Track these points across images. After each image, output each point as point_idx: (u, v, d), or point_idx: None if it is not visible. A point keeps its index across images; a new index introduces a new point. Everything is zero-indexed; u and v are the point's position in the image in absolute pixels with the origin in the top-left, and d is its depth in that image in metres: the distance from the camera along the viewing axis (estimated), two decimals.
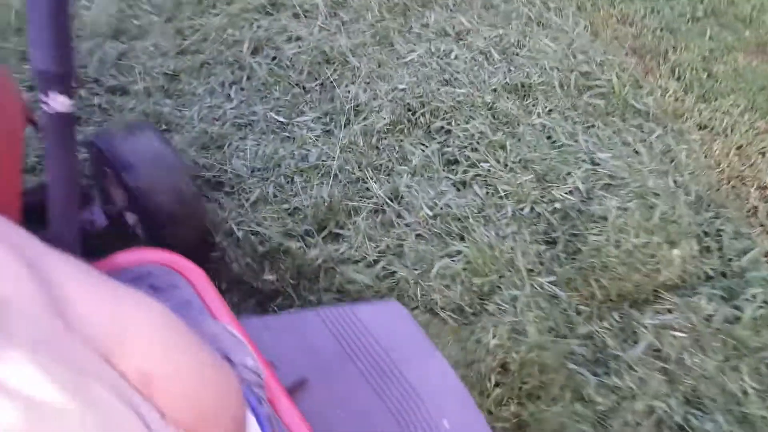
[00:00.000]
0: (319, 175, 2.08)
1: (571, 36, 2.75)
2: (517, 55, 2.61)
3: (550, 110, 2.37)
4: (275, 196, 2.02)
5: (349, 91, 2.40)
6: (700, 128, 2.45)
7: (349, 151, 2.15)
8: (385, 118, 2.26)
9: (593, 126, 2.32)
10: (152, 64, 2.54)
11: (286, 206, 1.98)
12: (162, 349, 0.61)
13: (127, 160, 1.53)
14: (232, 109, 2.36)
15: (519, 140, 2.22)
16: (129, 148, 1.57)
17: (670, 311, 1.81)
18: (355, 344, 1.17)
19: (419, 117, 2.29)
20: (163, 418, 0.59)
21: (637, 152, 2.24)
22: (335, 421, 1.12)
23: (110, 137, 1.63)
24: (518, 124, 2.29)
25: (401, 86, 2.40)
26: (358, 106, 2.34)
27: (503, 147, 2.19)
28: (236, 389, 0.70)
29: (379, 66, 2.52)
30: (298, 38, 2.65)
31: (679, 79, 2.66)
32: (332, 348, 1.16)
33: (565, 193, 2.04)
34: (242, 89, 2.45)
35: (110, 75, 2.49)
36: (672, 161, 2.24)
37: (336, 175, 2.07)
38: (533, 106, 2.38)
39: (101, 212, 1.56)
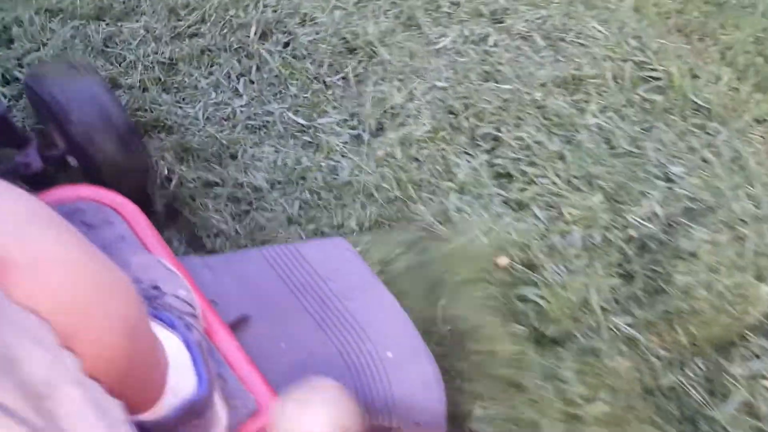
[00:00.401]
0: (352, 193, 1.86)
1: (620, 18, 2.43)
2: (563, 41, 2.31)
3: (605, 108, 2.12)
4: (300, 216, 1.82)
5: (381, 91, 2.11)
6: (758, 122, 2.15)
7: (386, 165, 1.93)
8: (425, 124, 2.02)
9: (654, 127, 2.08)
10: (144, 50, 2.17)
11: (312, 227, 1.78)
12: (17, 236, 0.59)
13: (62, 104, 1.47)
14: (242, 107, 2.07)
15: (578, 147, 2.00)
16: (64, 90, 1.50)
17: (757, 356, 1.58)
18: (298, 280, 1.19)
19: (462, 121, 2.05)
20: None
21: (705, 161, 1.98)
22: (278, 354, 1.13)
23: (43, 78, 1.56)
24: (573, 127, 2.06)
25: (440, 84, 2.13)
26: (392, 108, 2.06)
27: (562, 158, 1.97)
28: (128, 292, 0.68)
29: (412, 58, 2.21)
30: (314, 21, 2.30)
31: (730, 64, 2.34)
32: (275, 285, 1.18)
33: (642, 219, 1.80)
34: (252, 82, 2.14)
35: (97, 65, 2.13)
36: (743, 170, 1.96)
37: (372, 195, 1.86)
38: (585, 102, 2.13)
39: (37, 155, 1.49)
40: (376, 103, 2.09)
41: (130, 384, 0.69)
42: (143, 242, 1.10)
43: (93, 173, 1.47)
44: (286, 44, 2.24)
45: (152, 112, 2.02)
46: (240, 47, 2.24)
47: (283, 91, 2.13)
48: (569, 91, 2.17)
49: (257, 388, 0.98)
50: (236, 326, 1.14)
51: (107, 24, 2.25)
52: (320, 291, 1.18)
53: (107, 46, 2.19)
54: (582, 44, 2.31)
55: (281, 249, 1.21)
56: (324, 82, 2.17)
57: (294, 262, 1.20)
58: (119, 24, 2.26)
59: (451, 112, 2.08)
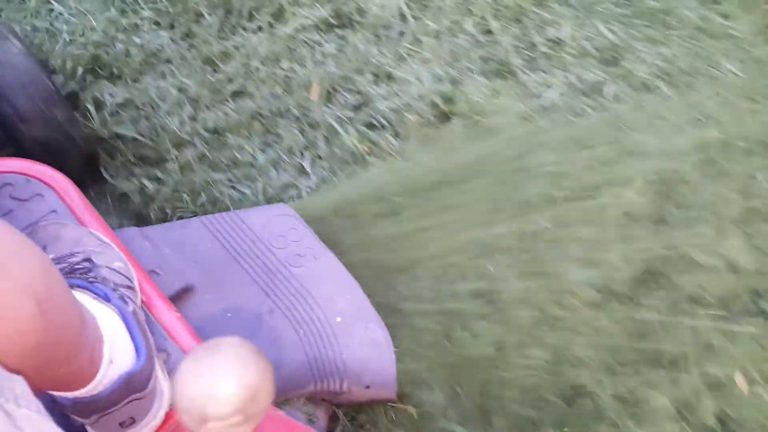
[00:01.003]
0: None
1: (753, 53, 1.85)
2: (692, 88, 1.74)
3: None
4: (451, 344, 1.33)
5: None
6: None
7: None
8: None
9: None
10: (181, 117, 1.61)
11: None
12: None
13: None
14: (311, 188, 1.57)
15: None
16: None
17: None
18: (242, 248, 1.16)
19: None
20: None
21: None
22: (224, 324, 1.11)
23: None
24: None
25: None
26: None
27: None
28: (39, 263, 0.65)
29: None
30: (390, 77, 1.74)
31: None
32: (218, 254, 1.15)
33: None
34: (320, 158, 1.62)
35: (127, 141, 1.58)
36: None
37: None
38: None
39: None
40: None
41: (55, 360, 0.66)
42: (76, 215, 1.06)
43: (19, 147, 1.39)
44: (357, 108, 1.70)
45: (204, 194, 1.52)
46: (302, 114, 1.70)
47: (362, 170, 1.62)
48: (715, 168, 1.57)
49: None
50: (179, 297, 1.11)
51: (118, 77, 1.67)
52: (265, 258, 1.15)
53: (121, 110, 1.61)
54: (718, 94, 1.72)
55: (222, 217, 1.18)
56: None
57: (236, 230, 1.17)
58: (137, 81, 1.68)
59: None
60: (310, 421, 1.14)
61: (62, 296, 0.68)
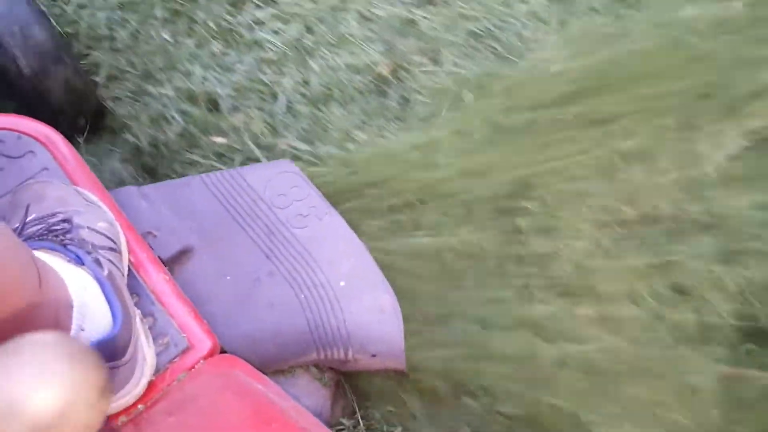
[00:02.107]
0: None
1: None
2: None
3: None
4: None
5: None
6: None
7: None
8: None
9: None
10: None
11: None
12: None
13: None
14: None
15: None
16: None
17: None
18: (242, 208, 1.10)
19: None
20: None
21: None
22: (223, 287, 1.06)
23: None
24: None
25: None
26: None
27: None
28: None
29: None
30: None
31: None
32: (218, 213, 1.10)
33: None
34: None
35: None
36: None
37: None
38: None
39: None
40: None
41: (3, 328, 0.61)
42: (68, 173, 1.02)
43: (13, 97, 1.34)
44: None
45: None
46: None
47: None
48: None
49: (189, 324, 0.91)
50: (177, 259, 1.07)
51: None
52: (266, 218, 1.10)
53: None
54: None
55: (222, 175, 1.13)
56: None
57: (237, 188, 1.12)
58: None
59: None
60: (324, 386, 1.10)
61: (6, 255, 0.63)
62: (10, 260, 0.65)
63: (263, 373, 0.92)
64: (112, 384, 0.51)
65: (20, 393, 0.46)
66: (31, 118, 1.04)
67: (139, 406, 0.84)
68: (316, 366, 1.10)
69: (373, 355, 1.06)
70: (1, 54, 1.26)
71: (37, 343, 0.49)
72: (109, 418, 0.84)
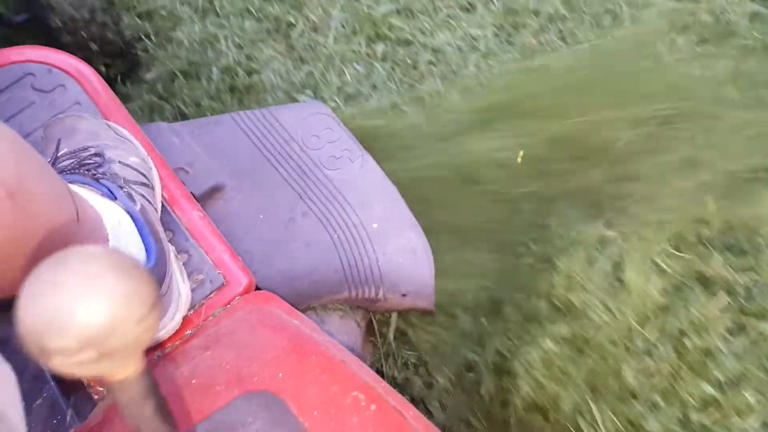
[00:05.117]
0: None
1: None
2: None
3: None
4: None
5: None
6: None
7: None
8: None
9: None
10: None
11: None
12: None
13: None
14: None
15: None
16: None
17: None
18: (274, 148, 1.09)
19: None
20: None
21: None
22: (256, 226, 1.06)
23: None
24: None
25: None
26: None
27: None
28: (6, 148, 0.59)
29: None
30: None
31: None
32: (250, 152, 1.09)
33: None
34: None
35: None
36: None
37: None
38: None
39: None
40: None
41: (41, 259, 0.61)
42: (100, 108, 1.01)
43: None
44: None
45: None
46: None
47: None
48: None
49: (225, 261, 0.90)
50: (209, 196, 1.06)
51: None
52: (299, 159, 1.09)
53: None
54: None
55: (254, 114, 1.11)
56: None
57: (270, 128, 1.11)
58: None
59: None
60: (356, 324, 1.10)
61: (44, 188, 0.63)
62: (51, 195, 0.64)
63: (297, 309, 0.92)
64: (161, 300, 0.49)
65: (67, 304, 0.45)
66: (61, 51, 1.03)
67: (176, 341, 0.85)
68: (348, 305, 1.11)
69: (404, 295, 1.06)
70: None
71: (85, 255, 0.47)
72: (145, 353, 0.84)
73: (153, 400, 0.54)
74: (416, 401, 1.23)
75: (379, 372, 1.25)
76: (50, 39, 1.32)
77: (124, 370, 0.50)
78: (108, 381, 0.51)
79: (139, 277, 0.48)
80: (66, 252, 0.47)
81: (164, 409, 0.55)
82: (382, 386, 0.76)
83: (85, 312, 0.45)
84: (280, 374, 0.74)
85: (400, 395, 0.77)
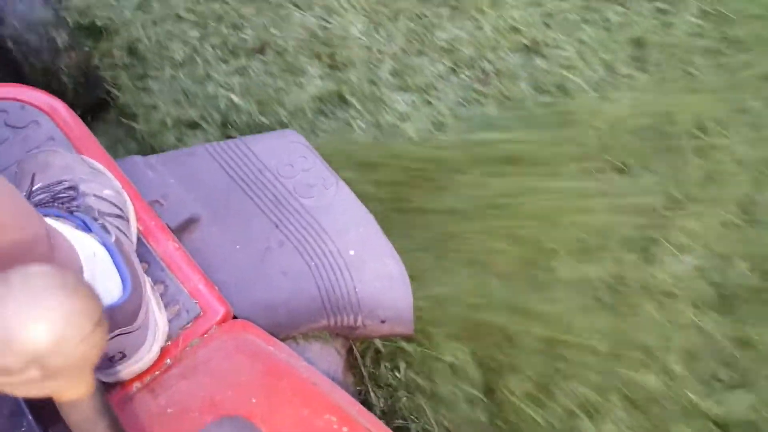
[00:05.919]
0: None
1: None
2: None
3: None
4: None
5: None
6: None
7: None
8: None
9: None
10: None
11: None
12: None
13: None
14: None
15: None
16: None
17: None
18: (249, 177, 1.10)
19: None
20: None
21: None
22: (233, 256, 1.05)
23: None
24: None
25: None
26: None
27: None
28: None
29: None
30: None
31: None
32: (225, 183, 1.10)
33: None
34: None
35: None
36: None
37: None
38: None
39: None
40: None
41: None
42: (73, 143, 1.01)
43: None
44: None
45: None
46: None
47: None
48: None
49: (201, 291, 0.90)
50: (184, 228, 1.06)
51: None
52: (273, 188, 1.09)
53: None
54: None
55: (228, 144, 1.12)
56: None
57: (243, 158, 1.11)
58: None
59: None
60: (336, 351, 1.10)
61: (13, 219, 0.62)
62: (22, 225, 0.64)
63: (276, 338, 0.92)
64: (107, 317, 0.49)
65: (9, 322, 0.44)
66: (33, 88, 1.03)
67: (155, 372, 0.84)
68: (327, 333, 1.10)
69: (383, 321, 1.06)
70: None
71: (28, 274, 0.46)
72: (124, 385, 0.84)
73: (105, 420, 0.53)
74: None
75: (366, 401, 1.25)
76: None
77: (74, 389, 0.49)
78: (58, 401, 0.51)
79: (83, 295, 0.47)
80: (9, 272, 0.46)
81: (117, 429, 0.55)
82: (356, 409, 0.76)
83: (27, 330, 0.44)
84: (253, 399, 0.75)
85: (374, 417, 0.77)
